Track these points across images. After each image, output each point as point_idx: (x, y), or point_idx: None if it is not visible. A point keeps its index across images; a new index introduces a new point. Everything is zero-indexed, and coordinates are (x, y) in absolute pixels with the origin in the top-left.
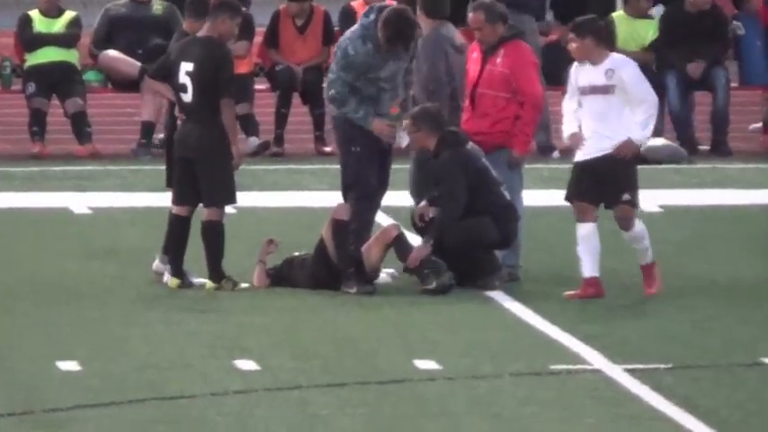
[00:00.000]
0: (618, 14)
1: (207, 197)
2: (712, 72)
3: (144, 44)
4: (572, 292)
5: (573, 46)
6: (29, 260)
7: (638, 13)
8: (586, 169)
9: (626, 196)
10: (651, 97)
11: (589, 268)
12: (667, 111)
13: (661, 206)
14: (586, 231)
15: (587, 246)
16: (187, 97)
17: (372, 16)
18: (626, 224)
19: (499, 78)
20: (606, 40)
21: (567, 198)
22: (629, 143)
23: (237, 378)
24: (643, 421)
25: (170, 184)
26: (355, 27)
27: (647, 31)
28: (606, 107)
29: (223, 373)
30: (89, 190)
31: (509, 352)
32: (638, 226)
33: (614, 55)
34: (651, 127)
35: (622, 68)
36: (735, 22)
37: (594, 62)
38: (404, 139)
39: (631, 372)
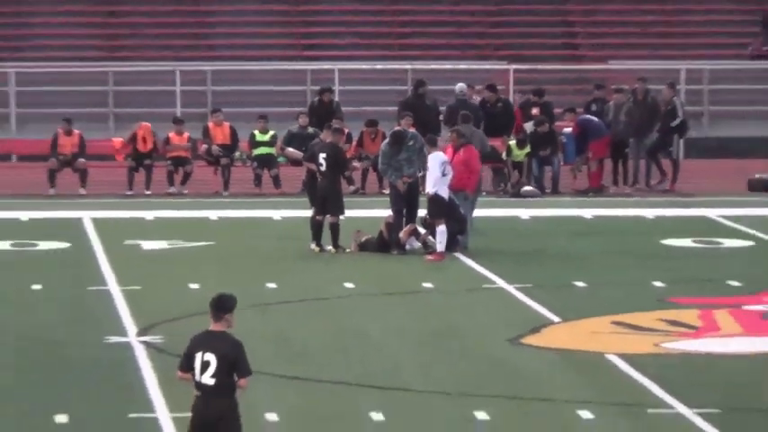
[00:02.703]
0: (512, 143)
1: (331, 211)
2: (551, 157)
3: (306, 145)
4: (433, 257)
5: None
6: (251, 242)
7: (521, 148)
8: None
9: (426, 214)
10: (434, 172)
11: (443, 242)
12: (533, 175)
13: (530, 216)
14: (441, 231)
15: (442, 237)
16: (323, 168)
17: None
18: (431, 225)
19: (461, 161)
20: (433, 144)
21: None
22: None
23: (345, 290)
24: (528, 313)
25: (312, 204)
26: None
27: (525, 149)
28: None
29: (337, 287)
30: (280, 208)
31: (464, 279)
32: (441, 227)
33: (432, 153)
34: (432, 184)
35: (429, 161)
36: (561, 135)
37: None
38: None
39: (520, 289)
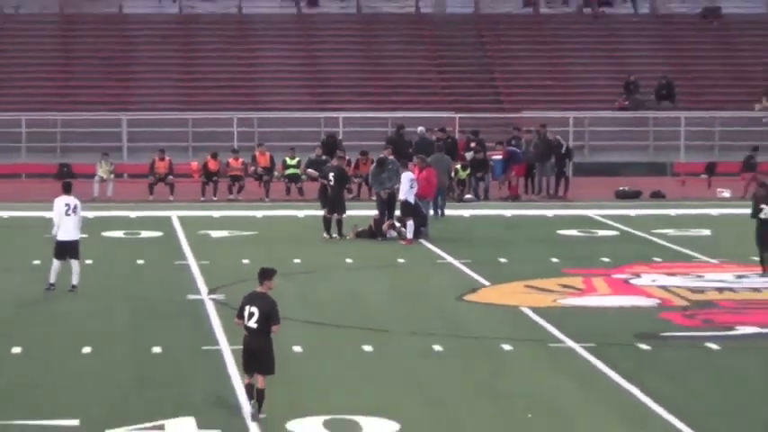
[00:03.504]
0: (458, 166)
1: (337, 211)
2: (483, 176)
3: (320, 167)
4: (404, 242)
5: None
6: (283, 231)
7: (464, 170)
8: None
9: (400, 213)
10: (405, 185)
11: (411, 232)
12: (472, 188)
13: (470, 215)
14: (410, 225)
15: (411, 228)
16: (332, 182)
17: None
18: (403, 221)
19: (424, 178)
20: (405, 167)
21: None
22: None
23: (346, 264)
24: (468, 279)
25: (324, 206)
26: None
27: (466, 171)
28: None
29: (341, 262)
30: (303, 209)
31: (426, 257)
32: (409, 222)
33: (404, 173)
34: (403, 193)
35: (402, 178)
36: (491, 161)
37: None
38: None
39: (463, 263)
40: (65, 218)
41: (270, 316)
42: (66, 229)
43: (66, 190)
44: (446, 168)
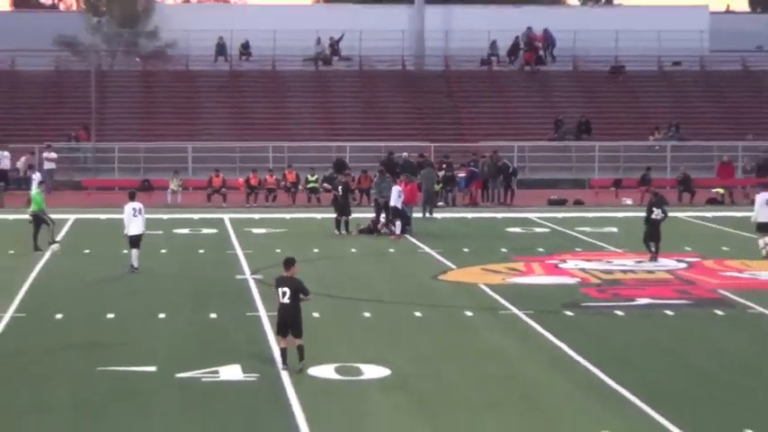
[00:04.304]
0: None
1: (345, 214)
2: (452, 189)
3: (332, 182)
4: (394, 237)
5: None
6: (305, 229)
7: (438, 184)
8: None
9: (391, 216)
10: (394, 195)
11: (399, 230)
12: (443, 198)
13: (441, 217)
14: (398, 224)
15: (398, 227)
16: (340, 193)
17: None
18: (393, 222)
19: (408, 190)
20: (394, 182)
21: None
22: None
23: (351, 253)
24: (440, 263)
25: (335, 211)
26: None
27: (439, 185)
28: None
29: (347, 251)
30: (320, 213)
31: (409, 247)
32: (398, 222)
33: (394, 186)
34: (393, 201)
35: (392, 190)
36: (457, 178)
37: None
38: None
39: (437, 252)
40: (132, 218)
41: (299, 291)
42: (134, 227)
43: (132, 198)
44: (432, 180)
